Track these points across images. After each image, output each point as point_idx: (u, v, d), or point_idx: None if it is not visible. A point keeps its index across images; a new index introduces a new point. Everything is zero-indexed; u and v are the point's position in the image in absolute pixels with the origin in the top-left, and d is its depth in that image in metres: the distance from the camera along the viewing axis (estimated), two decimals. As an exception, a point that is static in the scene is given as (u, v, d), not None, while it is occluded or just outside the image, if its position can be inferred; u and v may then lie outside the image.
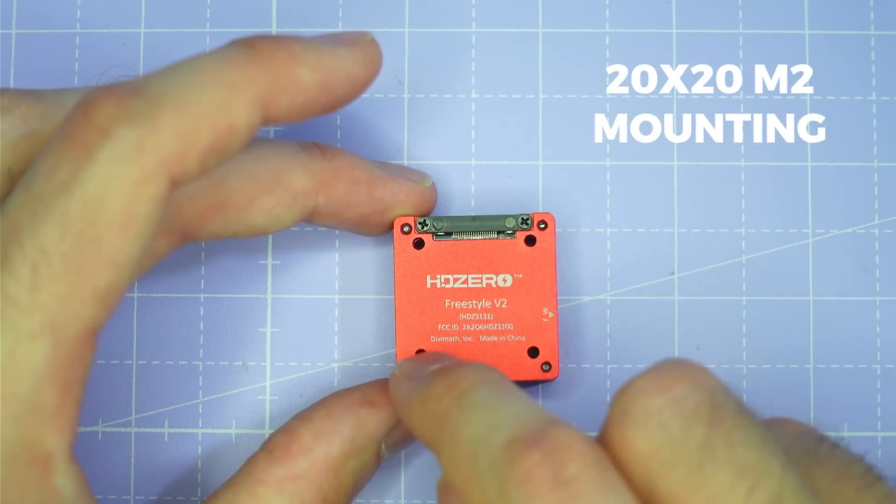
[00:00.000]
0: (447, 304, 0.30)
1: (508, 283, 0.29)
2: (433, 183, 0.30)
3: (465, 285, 0.30)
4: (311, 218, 0.29)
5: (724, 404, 0.21)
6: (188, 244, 0.28)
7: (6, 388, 0.21)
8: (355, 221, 0.29)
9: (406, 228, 0.30)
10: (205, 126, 0.23)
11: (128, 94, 0.22)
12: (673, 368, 0.22)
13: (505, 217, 0.30)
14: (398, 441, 0.29)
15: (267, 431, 0.31)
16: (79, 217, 0.22)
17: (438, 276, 0.30)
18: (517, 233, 0.30)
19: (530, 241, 0.30)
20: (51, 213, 0.22)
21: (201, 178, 0.24)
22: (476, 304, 0.30)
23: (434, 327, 0.29)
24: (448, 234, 0.30)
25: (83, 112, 0.22)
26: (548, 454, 0.21)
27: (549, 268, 0.30)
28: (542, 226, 0.30)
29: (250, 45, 0.24)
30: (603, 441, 0.22)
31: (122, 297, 0.23)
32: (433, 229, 0.30)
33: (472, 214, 0.31)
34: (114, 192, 0.22)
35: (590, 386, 0.31)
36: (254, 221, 0.28)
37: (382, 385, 0.29)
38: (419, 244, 0.30)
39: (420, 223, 0.30)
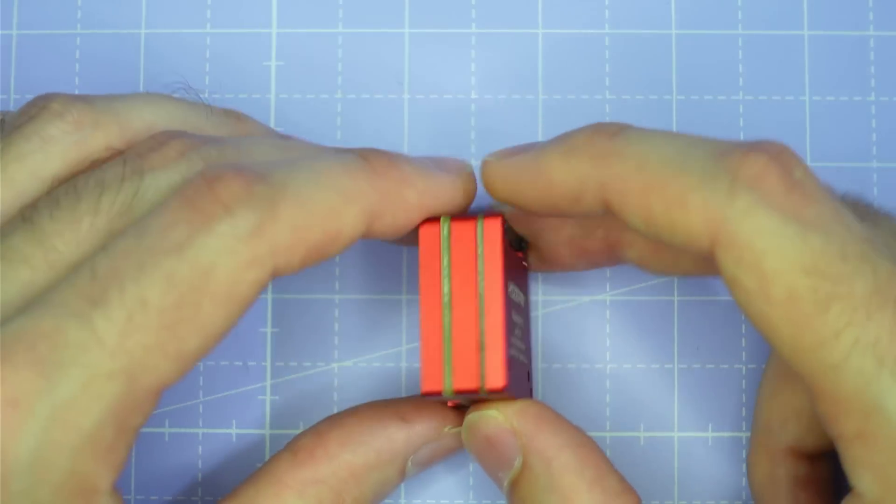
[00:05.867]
0: None
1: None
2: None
3: None
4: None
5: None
6: None
7: (71, 418, 0.22)
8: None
9: None
10: (317, 226, 0.23)
11: (254, 178, 0.23)
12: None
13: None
14: (426, 460, 0.28)
15: (268, 431, 0.32)
16: (185, 280, 0.22)
17: None
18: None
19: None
20: (158, 268, 0.22)
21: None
22: None
23: None
24: None
25: (208, 184, 0.23)
26: (773, 158, 0.22)
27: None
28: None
29: (365, 158, 0.25)
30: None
31: (197, 364, 0.23)
32: None
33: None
34: (223, 265, 0.22)
35: (590, 386, 0.31)
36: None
37: (417, 402, 0.28)
38: None
39: None
